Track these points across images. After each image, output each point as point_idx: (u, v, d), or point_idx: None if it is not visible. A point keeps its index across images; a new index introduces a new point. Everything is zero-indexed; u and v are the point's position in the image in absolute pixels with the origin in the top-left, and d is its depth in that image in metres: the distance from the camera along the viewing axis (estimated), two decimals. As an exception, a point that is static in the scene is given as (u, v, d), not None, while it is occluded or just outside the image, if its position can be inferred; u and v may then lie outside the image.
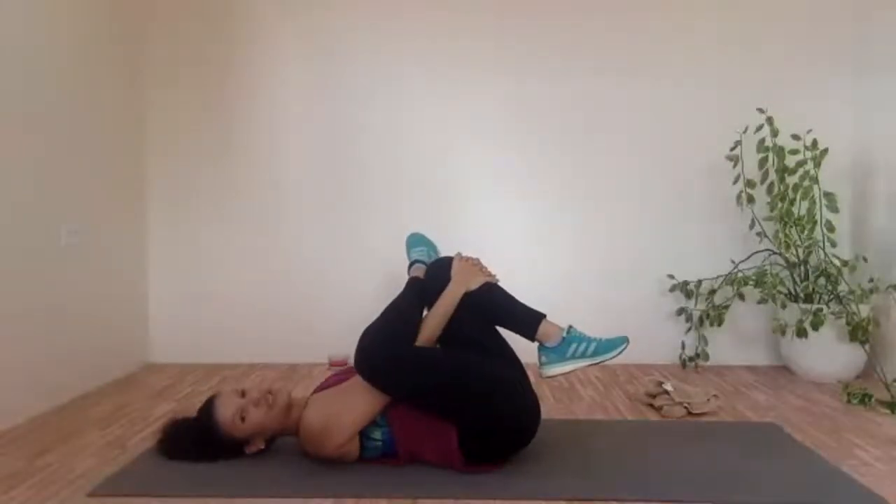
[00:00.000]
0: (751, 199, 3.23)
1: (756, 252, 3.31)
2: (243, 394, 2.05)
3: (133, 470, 2.03)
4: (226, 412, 2.01)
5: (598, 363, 2.06)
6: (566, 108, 3.45)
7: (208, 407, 2.05)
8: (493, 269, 2.27)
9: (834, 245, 3.15)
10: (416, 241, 2.46)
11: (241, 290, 3.51)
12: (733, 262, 3.31)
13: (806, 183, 3.12)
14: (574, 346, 2.08)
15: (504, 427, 1.98)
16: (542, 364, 2.12)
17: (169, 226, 3.53)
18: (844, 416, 2.57)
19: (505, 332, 2.22)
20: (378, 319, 2.11)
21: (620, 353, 2.07)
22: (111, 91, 3.23)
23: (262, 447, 2.07)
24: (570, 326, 2.12)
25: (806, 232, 3.12)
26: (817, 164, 3.12)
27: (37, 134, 2.67)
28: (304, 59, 3.49)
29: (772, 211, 3.21)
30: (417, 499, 1.82)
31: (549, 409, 2.64)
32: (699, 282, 3.34)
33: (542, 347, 2.13)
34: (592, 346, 2.07)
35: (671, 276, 3.38)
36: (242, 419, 2.01)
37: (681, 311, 3.39)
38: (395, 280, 2.56)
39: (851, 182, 3.38)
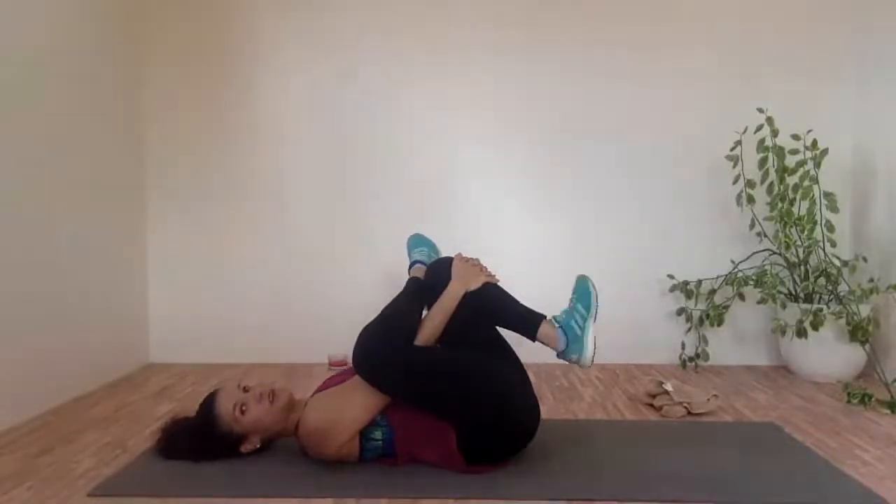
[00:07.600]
0: (751, 199, 3.23)
1: (756, 252, 3.31)
2: (246, 389, 2.06)
3: (133, 470, 2.03)
4: (227, 404, 2.02)
5: (596, 314, 2.11)
6: (566, 109, 3.45)
7: (210, 399, 2.07)
8: (493, 270, 2.27)
9: (834, 245, 3.15)
10: (417, 241, 2.46)
11: (241, 290, 3.52)
12: (733, 262, 3.31)
13: (806, 183, 3.12)
14: (573, 323, 2.10)
15: (504, 427, 1.98)
16: (575, 361, 2.10)
17: (169, 226, 3.53)
18: (844, 416, 2.57)
19: (505, 333, 2.22)
20: (377, 318, 2.11)
21: (594, 287, 2.13)
22: (111, 91, 3.23)
23: (258, 446, 2.07)
24: (553, 317, 2.13)
25: (806, 232, 3.12)
26: (817, 164, 3.12)
27: (37, 134, 2.67)
28: (305, 59, 3.49)
29: (772, 211, 3.20)
30: (417, 499, 1.82)
31: (549, 409, 2.64)
32: (699, 282, 3.34)
33: (561, 354, 2.12)
34: (580, 308, 2.12)
35: (671, 276, 3.38)
36: (242, 412, 2.01)
37: (681, 311, 3.39)
38: (395, 280, 2.56)
39: (851, 182, 3.38)
